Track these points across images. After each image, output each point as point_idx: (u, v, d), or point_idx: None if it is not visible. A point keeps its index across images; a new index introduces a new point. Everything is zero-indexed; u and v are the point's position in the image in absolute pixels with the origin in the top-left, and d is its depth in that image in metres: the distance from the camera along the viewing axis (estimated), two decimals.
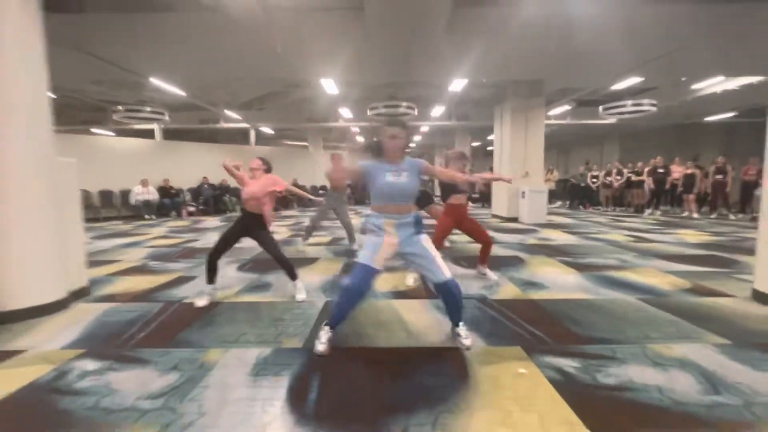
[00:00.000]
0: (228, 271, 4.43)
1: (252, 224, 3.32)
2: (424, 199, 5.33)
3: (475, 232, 3.86)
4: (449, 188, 3.70)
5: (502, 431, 1.58)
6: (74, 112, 12.55)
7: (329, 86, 7.88)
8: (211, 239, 6.89)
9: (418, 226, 2.38)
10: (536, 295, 3.41)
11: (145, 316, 2.99)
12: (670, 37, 5.48)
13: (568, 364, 2.13)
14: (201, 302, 3.23)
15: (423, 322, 2.78)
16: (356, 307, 2.38)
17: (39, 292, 3.01)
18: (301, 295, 3.34)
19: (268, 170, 3.49)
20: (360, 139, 18.03)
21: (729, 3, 4.85)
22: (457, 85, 7.90)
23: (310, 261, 4.90)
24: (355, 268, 2.32)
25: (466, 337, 2.39)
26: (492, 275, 3.94)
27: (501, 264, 4.58)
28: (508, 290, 3.56)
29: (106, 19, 5.40)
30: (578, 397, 1.82)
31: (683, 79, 7.95)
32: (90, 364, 2.19)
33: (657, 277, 3.99)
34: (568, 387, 1.91)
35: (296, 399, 1.83)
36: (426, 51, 5.65)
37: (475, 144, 19.98)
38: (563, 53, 5.87)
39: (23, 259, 2.93)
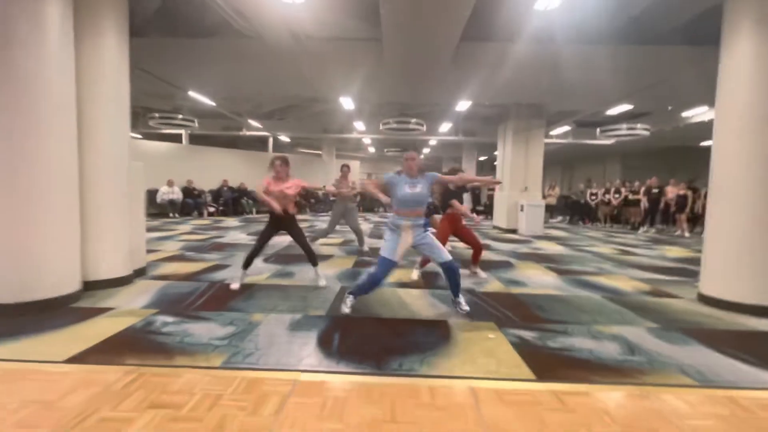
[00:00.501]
0: (256, 262, 5.14)
1: (283, 220, 3.83)
2: (429, 210, 5.98)
3: (468, 237, 4.56)
4: (447, 201, 4.42)
5: (468, 367, 2.26)
6: None
7: (346, 103, 8.69)
8: (234, 236, 7.67)
9: (426, 225, 3.20)
10: (516, 290, 4.09)
11: (197, 290, 3.73)
12: (651, 73, 6.18)
13: (528, 335, 2.81)
14: (234, 285, 3.83)
15: (420, 304, 3.47)
16: (375, 288, 3.20)
17: (114, 267, 3.77)
18: (322, 282, 4.04)
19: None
20: (371, 149, 18.88)
21: (702, 45, 5.52)
22: (463, 105, 8.65)
23: (326, 257, 5.63)
24: (379, 259, 3.08)
25: (465, 304, 3.15)
26: (482, 273, 4.62)
27: (492, 267, 5.25)
28: (493, 286, 4.23)
29: (160, 42, 6.28)
30: (529, 352, 2.49)
31: (669, 108, 8.61)
32: (167, 318, 2.93)
33: (624, 281, 4.63)
34: (523, 347, 2.58)
35: (323, 344, 2.54)
36: (434, 78, 6.42)
37: (482, 158, 20.68)
38: (557, 82, 6.60)
39: (104, 241, 3.69)
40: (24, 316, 2.87)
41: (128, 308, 3.14)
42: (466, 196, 15.98)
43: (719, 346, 2.67)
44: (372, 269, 3.12)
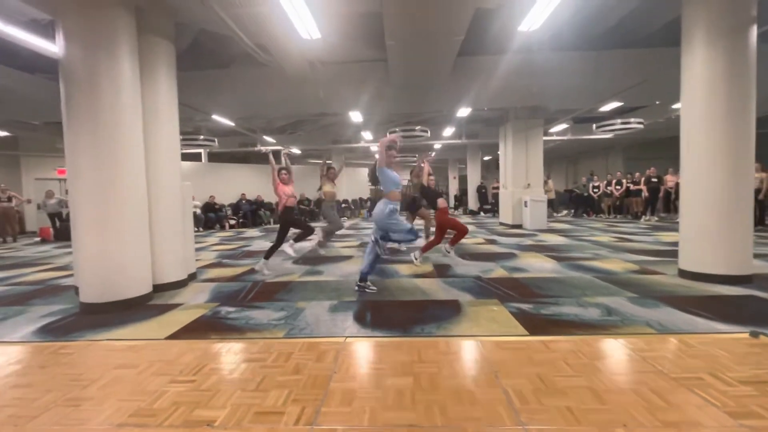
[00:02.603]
0: (285, 264, 5.84)
1: (290, 216, 5.19)
2: (415, 205, 6.49)
3: (452, 225, 5.43)
4: (433, 196, 5.38)
5: (475, 329, 2.87)
6: None
7: (355, 116, 9.39)
8: (259, 245, 8.37)
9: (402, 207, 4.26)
10: (518, 275, 4.68)
11: (245, 288, 4.40)
12: (634, 73, 6.74)
13: (525, 306, 3.41)
14: (265, 272, 5.07)
15: (434, 289, 4.09)
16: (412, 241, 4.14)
17: (174, 272, 4.46)
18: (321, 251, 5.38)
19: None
20: None
21: (678, 45, 6.09)
22: (464, 111, 9.28)
23: (346, 258, 6.28)
24: (404, 234, 3.96)
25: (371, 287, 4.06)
26: (454, 255, 5.50)
27: (498, 258, 5.83)
28: (498, 272, 4.83)
29: (188, 75, 7.04)
30: (525, 318, 3.09)
31: (657, 102, 9.11)
32: (229, 309, 3.59)
33: (616, 264, 5.18)
34: (520, 315, 3.18)
35: (359, 320, 3.17)
36: (435, 89, 7.06)
37: (486, 158, 21.21)
38: (547, 87, 7.19)
39: (167, 250, 4.39)
40: (112, 312, 3.55)
41: (195, 303, 3.82)
42: (473, 195, 16.46)
43: (684, 307, 3.24)
44: (401, 238, 4.08)
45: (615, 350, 2.42)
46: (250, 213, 14.10)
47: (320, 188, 6.47)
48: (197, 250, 7.87)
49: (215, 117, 9.11)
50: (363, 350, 2.51)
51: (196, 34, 6.20)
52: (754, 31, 3.98)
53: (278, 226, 5.35)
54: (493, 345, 2.54)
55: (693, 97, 4.21)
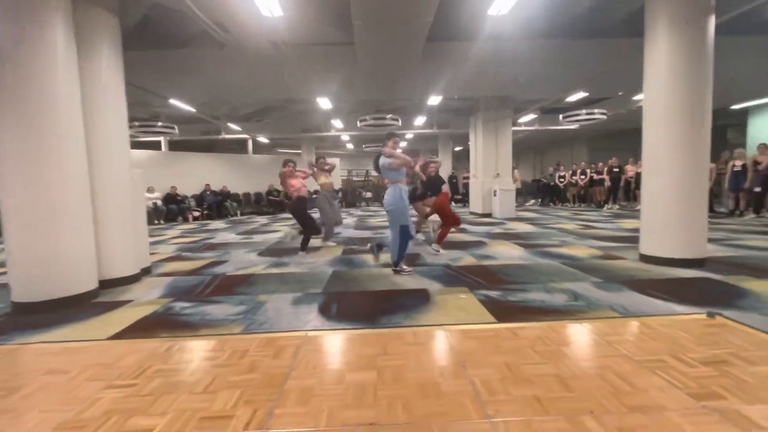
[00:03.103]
0: (250, 256, 5.58)
1: (303, 204, 5.31)
2: (416, 196, 6.41)
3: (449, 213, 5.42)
4: (435, 185, 5.36)
5: (443, 318, 2.79)
6: None
7: (324, 102, 9.10)
8: (224, 237, 8.00)
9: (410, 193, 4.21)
10: (487, 262, 4.66)
11: (203, 282, 4.13)
12: (599, 63, 6.86)
13: (493, 293, 3.37)
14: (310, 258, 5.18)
15: (404, 279, 3.99)
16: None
17: (124, 266, 4.12)
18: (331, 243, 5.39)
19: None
20: (350, 146, 19.27)
21: (641, 36, 6.22)
22: (435, 99, 9.20)
23: (314, 249, 6.08)
24: (400, 232, 4.00)
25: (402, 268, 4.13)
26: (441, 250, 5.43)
27: (468, 246, 5.82)
28: (467, 260, 4.80)
29: (140, 55, 6.53)
30: (493, 305, 3.05)
31: (620, 93, 9.40)
32: (184, 304, 3.34)
33: (582, 250, 5.28)
34: (488, 302, 3.13)
35: (324, 312, 3.02)
36: (405, 75, 6.90)
37: (457, 149, 21.36)
38: (516, 75, 7.21)
39: (114, 242, 4.04)
40: (49, 312, 3.21)
41: (146, 299, 3.54)
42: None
43: (645, 290, 3.30)
44: (397, 241, 4.05)
45: (581, 335, 2.41)
46: (215, 204, 13.51)
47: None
48: (156, 243, 7.43)
49: (173, 102, 8.56)
50: (325, 344, 2.37)
51: (147, 10, 5.72)
52: (712, 21, 4.08)
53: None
54: (461, 334, 2.46)
55: (655, 86, 4.28)
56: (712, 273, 3.83)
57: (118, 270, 4.05)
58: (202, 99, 9.21)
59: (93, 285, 3.63)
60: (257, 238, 7.65)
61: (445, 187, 5.46)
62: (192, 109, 9.66)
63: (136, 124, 10.11)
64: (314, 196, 6.59)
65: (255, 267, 4.80)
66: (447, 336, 2.44)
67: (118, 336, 2.64)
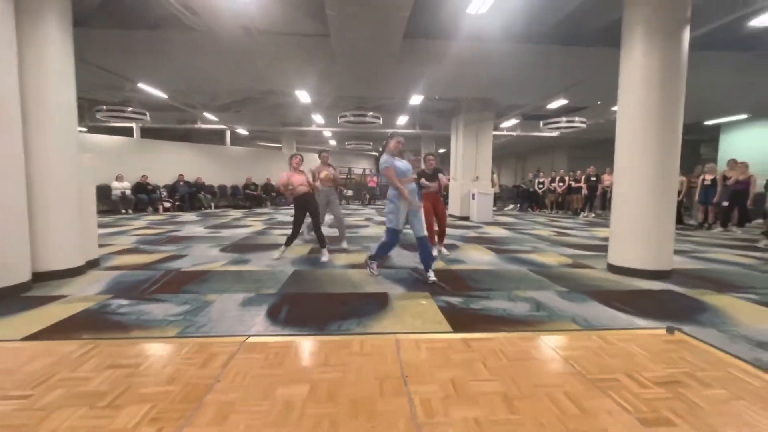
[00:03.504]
0: (212, 252, 5.31)
1: (307, 201, 4.71)
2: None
3: (442, 217, 5.28)
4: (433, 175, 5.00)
5: (397, 326, 2.63)
6: None
7: (302, 96, 8.84)
8: (191, 230, 7.67)
9: (419, 194, 3.84)
10: (455, 267, 4.54)
11: (152, 277, 3.86)
12: (579, 71, 6.86)
13: (455, 300, 3.23)
14: (275, 255, 4.82)
15: (365, 281, 3.81)
16: (389, 253, 4.05)
17: (64, 258, 3.82)
18: (324, 257, 4.71)
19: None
20: (332, 143, 19.02)
21: (614, 47, 6.23)
22: (416, 99, 9.06)
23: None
24: (387, 232, 3.80)
25: (433, 276, 3.77)
26: (444, 250, 5.39)
27: (436, 248, 5.68)
28: (436, 264, 4.64)
29: (104, 33, 6.15)
30: (452, 313, 2.91)
31: (599, 102, 9.49)
32: (122, 302, 3.09)
33: (552, 257, 5.22)
34: (448, 309, 2.99)
35: (272, 315, 2.82)
36: (383, 73, 6.73)
37: (441, 151, 21.33)
38: (497, 78, 7.14)
39: (54, 232, 3.73)
40: None
41: (82, 295, 3.26)
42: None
43: (609, 302, 3.23)
44: (384, 239, 3.87)
45: (537, 349, 2.29)
46: (188, 196, 13.05)
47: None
48: (116, 234, 7.05)
49: (143, 86, 8.15)
50: (262, 353, 2.17)
51: None
52: (687, 32, 4.05)
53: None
54: (412, 344, 2.31)
55: (629, 95, 4.24)
56: (676, 286, 3.80)
57: (56, 262, 3.74)
58: (173, 85, 8.80)
59: (24, 277, 3.33)
60: (225, 232, 7.35)
61: (442, 177, 5.02)
62: (164, 95, 9.23)
63: (104, 108, 9.62)
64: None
65: (213, 263, 4.55)
66: (396, 346, 2.28)
67: (34, 336, 2.37)
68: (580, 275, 4.21)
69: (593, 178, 12.30)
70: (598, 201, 13.03)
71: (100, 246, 5.63)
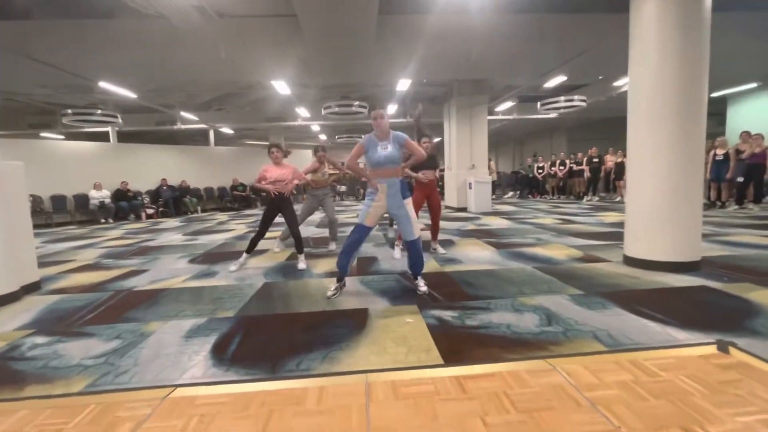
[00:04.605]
0: (179, 264, 4.74)
1: (281, 203, 4.13)
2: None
3: (435, 209, 4.68)
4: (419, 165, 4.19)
5: (373, 358, 2.06)
6: (20, 116, 12.17)
7: (281, 87, 8.20)
8: (167, 238, 7.10)
9: (404, 190, 3.06)
10: (450, 268, 3.96)
11: (95, 302, 3.29)
12: (578, 41, 6.21)
13: (448, 314, 2.66)
14: (233, 267, 4.20)
15: (346, 293, 3.24)
16: (354, 256, 3.10)
17: None
18: (301, 265, 4.15)
19: (285, 156, 4.28)
20: (322, 137, 18.42)
21: (623, 12, 5.58)
22: (403, 84, 8.42)
23: (261, 251, 5.27)
24: (354, 228, 3.06)
25: (423, 285, 3.16)
26: (441, 249, 4.77)
27: (431, 246, 5.11)
28: (429, 266, 4.07)
29: (50, 26, 5.51)
30: (443, 334, 2.34)
31: (600, 77, 8.83)
32: (40, 339, 2.52)
33: (559, 250, 4.65)
34: (439, 329, 2.42)
35: (218, 350, 2.25)
36: (360, 55, 6.11)
37: (436, 140, 20.68)
38: (488, 54, 6.50)
39: None
40: None
41: None
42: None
43: (634, 307, 2.66)
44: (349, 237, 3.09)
45: (553, 390, 1.72)
46: (172, 200, 12.44)
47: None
48: (84, 247, 6.47)
49: (106, 86, 7.52)
50: (183, 415, 1.60)
51: None
52: None
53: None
54: (387, 389, 1.74)
55: (642, 62, 3.62)
56: (710, 280, 3.23)
57: None
58: (137, 82, 8.17)
59: None
60: (203, 239, 6.78)
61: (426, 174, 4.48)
62: (132, 95, 8.60)
63: (70, 112, 8.98)
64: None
65: (174, 279, 3.98)
66: (366, 393, 1.71)
67: None
68: (593, 272, 3.64)
69: (595, 160, 11.69)
70: (602, 183, 12.45)
71: (58, 263, 5.08)
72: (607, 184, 12.47)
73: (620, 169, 11.20)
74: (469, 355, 2.07)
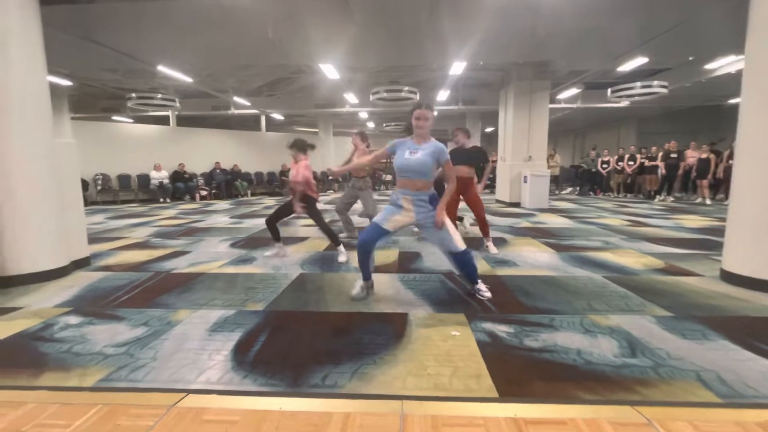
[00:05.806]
0: (220, 247, 4.72)
1: (309, 203, 3.99)
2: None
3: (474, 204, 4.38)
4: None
5: (411, 381, 1.73)
6: (95, 100, 13.12)
7: (330, 71, 7.99)
8: (214, 220, 7.23)
9: (434, 203, 2.59)
10: (502, 271, 3.51)
11: (134, 282, 3.28)
12: (668, 14, 5.30)
13: (502, 330, 2.26)
14: (269, 252, 4.18)
15: (383, 293, 2.94)
16: (369, 256, 2.69)
17: (42, 259, 3.33)
18: (341, 257, 3.90)
19: (304, 152, 4.20)
20: (370, 125, 18.19)
21: None
22: (457, 68, 7.85)
23: (301, 239, 5.13)
24: (369, 225, 2.72)
25: (486, 291, 2.79)
26: (493, 249, 4.31)
27: (482, 244, 4.65)
28: (478, 266, 3.65)
29: (110, 8, 5.66)
30: (497, 356, 1.95)
31: (690, 58, 7.61)
32: (73, 319, 2.48)
33: (633, 257, 4.00)
34: (492, 348, 2.04)
35: (240, 350, 2.04)
36: (413, 34, 5.67)
37: (488, 130, 19.65)
38: (556, 32, 5.77)
39: (24, 231, 3.24)
40: None
41: (38, 308, 2.70)
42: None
43: (747, 341, 2.08)
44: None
45: None
46: (224, 183, 12.89)
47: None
48: (139, 225, 6.76)
49: (163, 69, 7.74)
50: None
51: None
52: None
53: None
54: (426, 426, 1.40)
55: (765, 40, 2.87)
56: None
57: (32, 263, 3.27)
58: (192, 65, 8.33)
59: None
60: (248, 223, 6.82)
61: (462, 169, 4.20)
62: (188, 80, 8.84)
63: (134, 96, 9.44)
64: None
65: (213, 263, 3.91)
66: (401, 426, 1.38)
67: None
68: (682, 287, 3.02)
69: (674, 155, 10.32)
70: (679, 182, 11.02)
71: (112, 240, 5.29)
72: (686, 183, 11.02)
73: (704, 166, 9.82)
74: (531, 388, 1.67)
